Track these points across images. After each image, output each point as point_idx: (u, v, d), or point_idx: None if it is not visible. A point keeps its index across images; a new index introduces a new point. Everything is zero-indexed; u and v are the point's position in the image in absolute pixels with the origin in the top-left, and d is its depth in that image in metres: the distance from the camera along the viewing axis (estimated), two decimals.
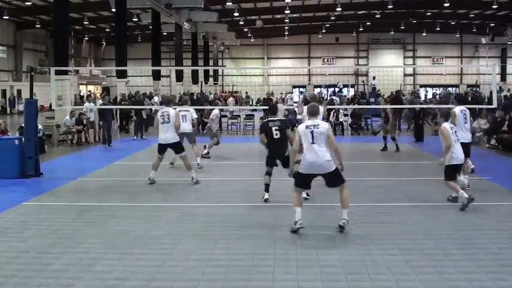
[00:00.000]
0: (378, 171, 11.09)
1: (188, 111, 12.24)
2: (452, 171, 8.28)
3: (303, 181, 7.09)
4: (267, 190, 8.76)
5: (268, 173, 8.86)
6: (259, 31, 50.61)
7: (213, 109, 14.84)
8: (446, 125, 8.37)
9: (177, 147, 10.57)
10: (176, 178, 11.28)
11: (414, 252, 6.19)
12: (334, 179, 6.99)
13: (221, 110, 22.41)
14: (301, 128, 7.09)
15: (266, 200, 8.65)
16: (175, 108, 11.13)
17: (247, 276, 5.48)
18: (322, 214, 8.07)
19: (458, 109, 9.95)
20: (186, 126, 11.83)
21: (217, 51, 52.62)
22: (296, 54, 56.42)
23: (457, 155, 8.28)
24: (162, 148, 10.54)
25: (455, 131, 8.55)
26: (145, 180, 10.57)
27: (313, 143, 6.83)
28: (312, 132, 6.87)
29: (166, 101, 11.13)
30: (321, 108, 10.40)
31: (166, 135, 10.37)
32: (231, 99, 31.37)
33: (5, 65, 41.87)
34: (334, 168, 6.93)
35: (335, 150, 7.03)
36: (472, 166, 10.41)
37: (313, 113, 7.16)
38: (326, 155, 6.87)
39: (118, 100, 24.67)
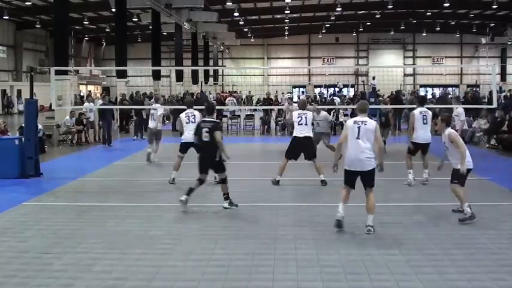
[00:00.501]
0: (377, 171, 11.08)
1: (155, 109, 13.88)
2: (465, 176, 7.64)
3: (347, 178, 7.15)
4: (188, 193, 8.22)
5: (200, 180, 8.37)
6: (259, 31, 50.64)
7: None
8: (451, 130, 7.89)
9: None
10: (176, 178, 11.27)
11: (414, 252, 6.19)
12: (367, 178, 7.04)
13: (221, 110, 22.49)
14: (349, 122, 7.30)
15: (182, 201, 8.16)
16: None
17: (247, 276, 5.48)
18: (322, 214, 8.07)
19: (417, 111, 10.25)
20: (153, 124, 13.53)
21: (217, 51, 52.62)
22: (296, 54, 56.42)
23: (469, 158, 7.74)
24: (185, 146, 10.55)
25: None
26: (146, 179, 10.56)
27: (358, 138, 6.98)
28: (359, 127, 7.02)
29: (190, 104, 11.26)
30: (309, 114, 10.60)
31: (191, 133, 10.35)
32: (229, 99, 31.35)
33: (5, 65, 41.86)
34: (372, 168, 7.01)
35: (379, 149, 7.18)
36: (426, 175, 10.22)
37: (362, 110, 7.34)
38: (368, 152, 6.96)
39: (118, 100, 24.65)
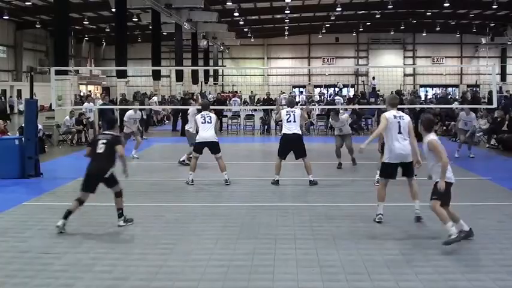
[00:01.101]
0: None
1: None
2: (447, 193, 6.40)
3: (390, 171, 7.40)
4: (65, 217, 7.09)
5: (80, 201, 7.28)
6: (259, 31, 50.64)
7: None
8: (433, 138, 6.63)
9: (215, 147, 10.62)
10: (176, 178, 11.27)
11: (414, 252, 6.19)
12: (409, 168, 7.42)
13: (222, 110, 22.46)
14: (389, 116, 7.38)
15: (58, 227, 7.02)
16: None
17: (247, 276, 5.48)
18: (322, 214, 8.07)
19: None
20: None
21: (217, 51, 52.62)
22: (296, 54, 56.44)
23: (450, 173, 6.47)
24: (200, 146, 10.59)
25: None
26: (146, 179, 10.56)
27: (399, 132, 7.25)
28: (399, 122, 7.29)
29: (206, 106, 11.27)
30: (297, 111, 10.57)
31: (207, 132, 10.55)
32: (234, 99, 31.66)
33: (5, 65, 41.86)
34: (411, 159, 7.36)
35: (415, 143, 7.41)
36: None
37: (394, 104, 7.59)
38: (409, 145, 7.30)
39: (118, 100, 24.65)
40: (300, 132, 10.44)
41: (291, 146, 10.36)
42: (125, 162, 7.39)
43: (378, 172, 10.02)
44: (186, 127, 13.33)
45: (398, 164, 7.38)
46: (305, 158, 10.36)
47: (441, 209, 6.30)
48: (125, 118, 14.57)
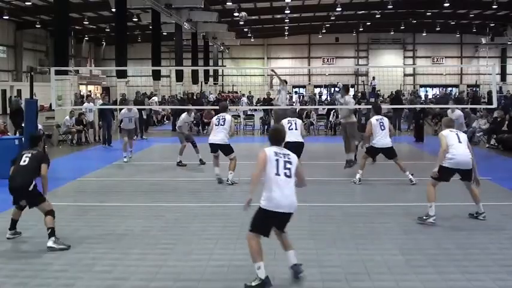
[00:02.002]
0: (377, 171, 11.10)
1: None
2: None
3: (446, 175, 7.59)
4: (11, 227, 6.84)
5: (18, 207, 6.82)
6: (259, 31, 50.61)
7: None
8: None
9: (224, 149, 10.79)
10: (176, 178, 11.28)
11: (414, 252, 6.19)
12: (469, 174, 7.56)
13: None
14: (446, 132, 7.76)
15: (8, 239, 6.78)
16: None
17: (247, 276, 5.47)
18: (322, 214, 8.07)
19: (374, 118, 10.69)
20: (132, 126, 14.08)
21: (217, 51, 52.61)
22: (296, 54, 56.42)
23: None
24: (212, 148, 10.77)
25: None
26: (146, 179, 10.55)
27: (460, 142, 7.59)
28: (457, 134, 7.72)
29: (224, 108, 11.49)
30: (299, 121, 10.97)
31: (216, 135, 10.72)
32: (243, 99, 32.20)
33: (5, 65, 41.85)
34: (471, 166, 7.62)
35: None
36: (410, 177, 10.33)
37: (450, 126, 7.97)
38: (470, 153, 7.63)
39: (118, 100, 24.63)
40: (302, 141, 10.70)
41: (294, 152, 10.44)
42: (46, 185, 6.77)
43: (360, 172, 10.41)
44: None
45: (460, 170, 7.58)
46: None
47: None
48: (119, 117, 14.58)
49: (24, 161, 6.77)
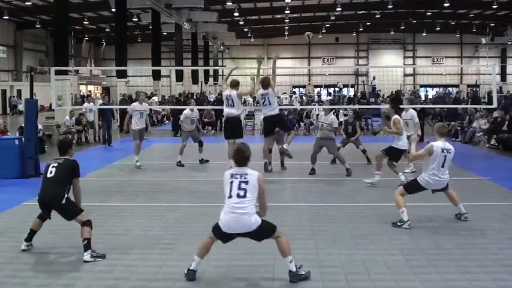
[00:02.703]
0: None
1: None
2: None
3: (416, 190, 7.52)
4: (28, 239, 6.33)
5: (40, 217, 6.36)
6: (259, 31, 50.61)
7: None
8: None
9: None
10: (176, 178, 11.28)
11: (414, 252, 6.19)
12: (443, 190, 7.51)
13: (222, 110, 22.40)
14: (437, 147, 7.20)
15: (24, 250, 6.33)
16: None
17: (247, 276, 5.47)
18: (322, 214, 8.07)
19: (397, 117, 10.31)
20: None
21: (217, 51, 52.60)
22: (296, 54, 56.39)
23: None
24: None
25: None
26: (146, 179, 10.54)
27: (443, 166, 7.22)
28: (445, 156, 7.18)
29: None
30: (270, 90, 10.88)
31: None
32: (249, 98, 32.19)
33: (5, 65, 41.87)
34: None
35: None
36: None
37: (443, 134, 7.45)
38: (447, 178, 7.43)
39: (118, 100, 24.64)
40: (277, 112, 10.94)
41: (273, 125, 10.88)
42: (79, 199, 6.38)
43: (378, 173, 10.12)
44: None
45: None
46: (291, 131, 11.21)
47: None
48: (182, 117, 13.56)
49: (51, 172, 6.17)
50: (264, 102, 10.70)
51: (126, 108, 14.21)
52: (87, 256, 5.90)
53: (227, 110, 11.17)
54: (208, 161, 13.06)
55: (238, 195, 5.17)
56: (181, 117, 13.50)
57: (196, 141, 13.22)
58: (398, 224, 7.19)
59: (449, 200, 7.56)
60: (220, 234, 5.34)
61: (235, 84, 11.25)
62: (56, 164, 6.23)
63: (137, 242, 6.71)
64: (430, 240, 6.64)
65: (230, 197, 5.22)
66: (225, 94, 11.29)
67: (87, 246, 5.93)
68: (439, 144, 7.22)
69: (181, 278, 5.44)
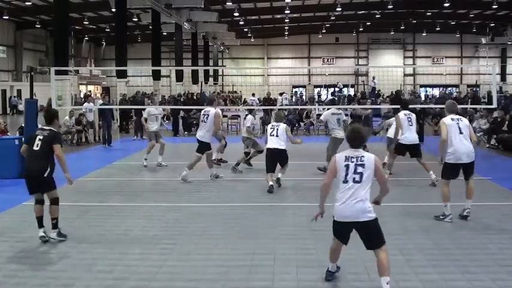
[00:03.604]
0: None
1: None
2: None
3: (451, 172, 7.56)
4: (40, 225, 6.57)
5: (38, 202, 6.62)
6: (259, 31, 50.60)
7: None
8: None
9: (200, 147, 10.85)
10: (176, 178, 11.27)
11: (414, 252, 6.19)
12: (471, 168, 7.59)
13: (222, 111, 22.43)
14: (447, 121, 7.57)
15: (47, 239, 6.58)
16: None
17: (247, 276, 5.47)
18: None
19: (402, 113, 10.57)
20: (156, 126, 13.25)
21: (217, 51, 52.60)
22: (296, 54, 56.41)
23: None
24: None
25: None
26: (146, 179, 10.54)
27: (461, 133, 7.44)
28: (457, 123, 7.49)
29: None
30: (282, 125, 10.24)
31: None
32: (252, 99, 32.39)
33: (5, 65, 41.85)
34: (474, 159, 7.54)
35: (475, 142, 7.68)
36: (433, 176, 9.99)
37: (453, 111, 7.73)
38: (471, 145, 7.50)
39: (118, 100, 24.64)
40: (284, 147, 10.06)
41: (276, 159, 10.07)
42: (64, 165, 6.71)
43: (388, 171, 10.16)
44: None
45: (463, 164, 7.49)
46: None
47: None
48: (145, 115, 13.66)
49: (37, 145, 6.56)
50: (271, 133, 10.04)
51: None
52: (53, 234, 6.46)
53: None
54: (226, 161, 12.96)
55: (354, 180, 4.87)
56: (145, 114, 13.52)
57: (158, 141, 13.14)
58: (441, 217, 7.48)
59: (465, 191, 7.61)
60: (338, 231, 5.09)
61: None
62: (41, 137, 6.61)
63: (137, 242, 6.71)
64: (430, 240, 6.64)
65: (345, 181, 4.89)
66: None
67: (55, 225, 6.49)
68: (448, 116, 7.64)
69: (182, 278, 5.44)
